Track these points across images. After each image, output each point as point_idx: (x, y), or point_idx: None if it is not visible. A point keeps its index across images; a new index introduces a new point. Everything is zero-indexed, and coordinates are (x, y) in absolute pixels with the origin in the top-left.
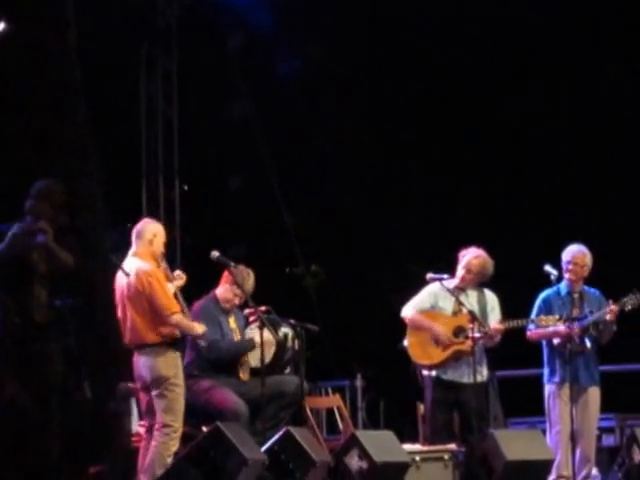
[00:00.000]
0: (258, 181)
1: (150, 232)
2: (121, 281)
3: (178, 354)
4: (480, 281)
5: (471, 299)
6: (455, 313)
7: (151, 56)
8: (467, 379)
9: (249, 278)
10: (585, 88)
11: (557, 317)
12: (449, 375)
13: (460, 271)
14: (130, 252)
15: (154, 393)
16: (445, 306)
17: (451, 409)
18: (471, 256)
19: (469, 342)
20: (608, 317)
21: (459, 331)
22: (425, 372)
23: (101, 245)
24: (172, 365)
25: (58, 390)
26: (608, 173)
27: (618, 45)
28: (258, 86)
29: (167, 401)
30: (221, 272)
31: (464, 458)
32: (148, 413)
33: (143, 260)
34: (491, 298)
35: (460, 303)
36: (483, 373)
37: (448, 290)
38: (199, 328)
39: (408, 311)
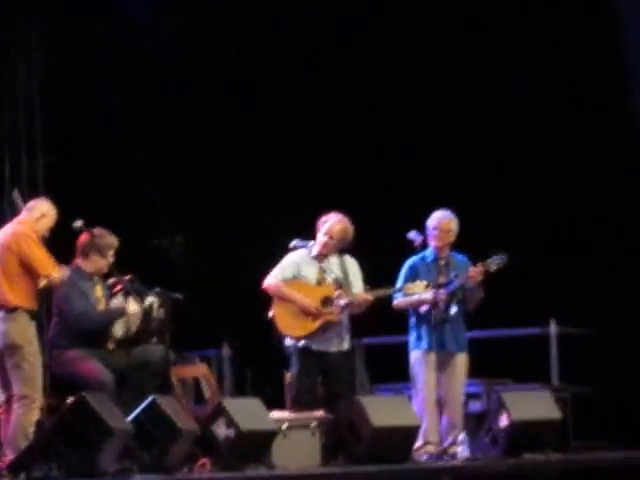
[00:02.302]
0: (123, 152)
1: (40, 210)
2: None
3: (33, 323)
4: (341, 247)
5: (333, 266)
6: (319, 282)
7: (12, 20)
8: (334, 347)
9: (108, 237)
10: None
11: (425, 283)
12: (316, 345)
13: (322, 238)
14: (14, 219)
15: (9, 363)
16: (308, 274)
17: (316, 376)
18: (332, 222)
19: (337, 311)
20: (473, 280)
21: (327, 301)
22: (289, 341)
23: None
24: (26, 332)
25: None
26: (474, 136)
27: None
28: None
29: (23, 371)
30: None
31: (331, 425)
32: (4, 383)
33: (22, 226)
34: (352, 263)
35: (324, 271)
36: (347, 340)
37: (314, 257)
38: (62, 271)
39: (271, 281)
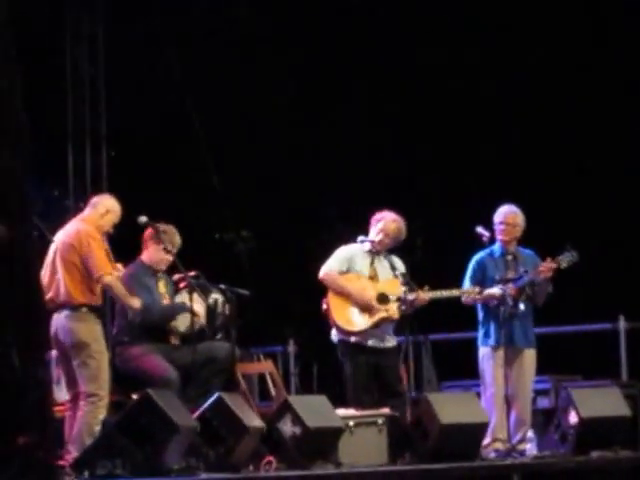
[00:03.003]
0: (188, 146)
1: (104, 206)
2: (53, 245)
3: (99, 321)
4: (393, 246)
5: (385, 262)
6: (371, 277)
7: (76, 19)
8: (388, 343)
9: (174, 234)
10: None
11: (476, 290)
12: (367, 340)
13: (377, 235)
14: (78, 216)
15: (75, 362)
16: (362, 269)
17: (370, 373)
18: (388, 220)
19: (394, 309)
20: (543, 275)
21: (383, 297)
22: (341, 336)
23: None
24: (92, 330)
25: None
26: (542, 133)
27: None
28: (187, 50)
29: (90, 369)
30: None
31: (397, 422)
32: (70, 381)
33: (86, 224)
34: (399, 263)
35: (376, 268)
36: (394, 336)
37: (369, 252)
38: (136, 302)
39: (329, 272)
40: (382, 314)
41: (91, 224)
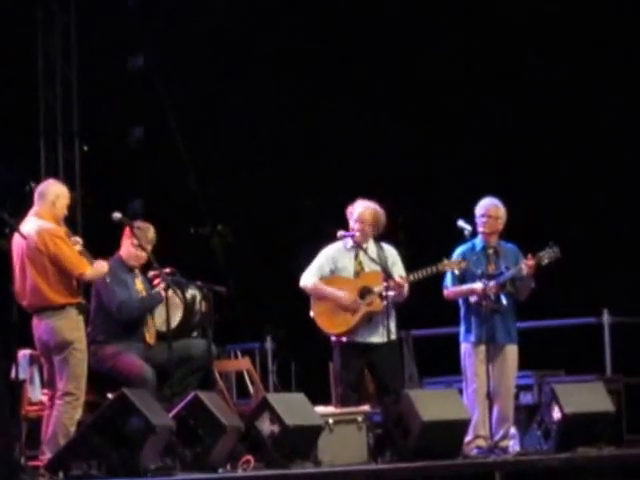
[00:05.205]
0: (162, 140)
1: (53, 193)
2: (19, 242)
3: (81, 317)
4: (376, 232)
5: (372, 254)
6: (357, 273)
7: (47, 12)
8: (380, 338)
9: (149, 231)
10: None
11: (460, 260)
12: (360, 337)
13: (355, 225)
14: (31, 212)
15: (57, 359)
16: (346, 266)
17: (362, 370)
18: (361, 208)
19: (378, 301)
20: (525, 272)
21: (365, 292)
22: (334, 338)
23: None
24: (75, 328)
25: None
26: (524, 125)
27: None
28: (161, 40)
29: (70, 367)
30: (122, 234)
31: (382, 419)
32: (50, 381)
33: (44, 220)
34: (391, 252)
35: (361, 262)
36: (393, 330)
37: (350, 249)
38: (103, 266)
39: (308, 280)
40: (365, 309)
41: (48, 217)
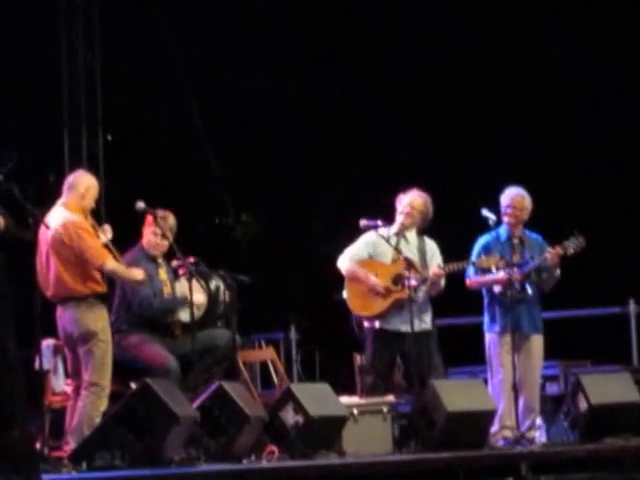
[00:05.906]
0: (185, 130)
1: (84, 185)
2: (44, 232)
3: (105, 308)
4: (422, 224)
5: (411, 246)
6: (394, 260)
7: (70, 1)
8: (415, 327)
9: (169, 218)
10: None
11: (498, 257)
12: (391, 324)
13: (401, 214)
14: (59, 202)
15: (82, 350)
16: (385, 253)
17: (393, 360)
18: (414, 196)
19: (407, 289)
20: (550, 262)
21: (398, 279)
22: (366, 323)
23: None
24: (100, 319)
25: None
26: (547, 113)
27: None
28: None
29: (95, 358)
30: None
31: (410, 410)
32: (75, 372)
33: (71, 212)
34: (431, 245)
35: (397, 250)
36: (427, 321)
37: (383, 237)
38: (138, 274)
39: (344, 262)
40: (395, 295)
41: (75, 209)
